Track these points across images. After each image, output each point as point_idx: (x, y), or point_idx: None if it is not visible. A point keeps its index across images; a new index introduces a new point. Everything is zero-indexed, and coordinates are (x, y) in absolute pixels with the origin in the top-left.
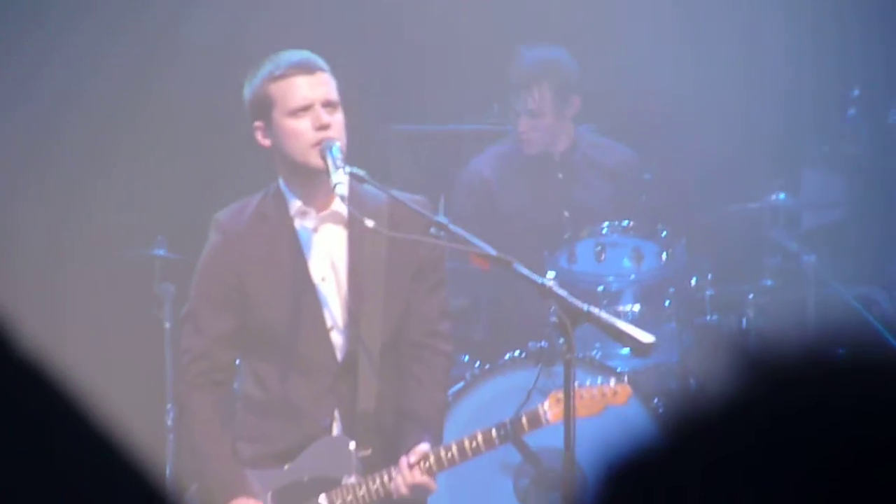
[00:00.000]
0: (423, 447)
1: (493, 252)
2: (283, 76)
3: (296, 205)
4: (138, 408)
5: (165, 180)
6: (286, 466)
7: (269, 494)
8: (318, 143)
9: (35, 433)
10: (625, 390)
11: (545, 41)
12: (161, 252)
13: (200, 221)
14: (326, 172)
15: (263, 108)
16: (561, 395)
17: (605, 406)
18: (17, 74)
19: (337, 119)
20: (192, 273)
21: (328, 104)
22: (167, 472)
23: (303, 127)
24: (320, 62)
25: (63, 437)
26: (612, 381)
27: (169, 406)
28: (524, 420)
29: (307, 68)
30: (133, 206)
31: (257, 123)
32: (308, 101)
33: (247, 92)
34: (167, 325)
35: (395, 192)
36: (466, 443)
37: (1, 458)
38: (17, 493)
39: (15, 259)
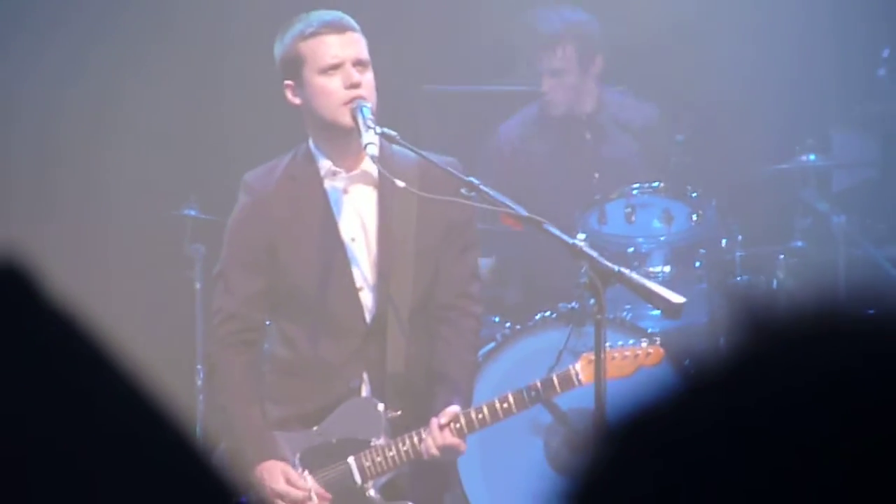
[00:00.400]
0: (454, 408)
1: (523, 212)
2: (314, 34)
3: (326, 165)
4: (168, 368)
5: (196, 141)
6: (315, 428)
7: (298, 456)
8: (349, 102)
9: (65, 392)
10: (658, 352)
11: (570, 4)
12: (192, 212)
13: (232, 182)
14: (357, 132)
15: (294, 66)
16: (593, 356)
17: (638, 367)
18: (49, 30)
19: (367, 78)
20: (223, 234)
21: (359, 63)
22: (197, 433)
23: (333, 85)
24: (351, 22)
25: (92, 395)
26: (645, 343)
27: (199, 367)
28: (556, 381)
29: (338, 27)
30: (164, 166)
31: (288, 82)
32: (339, 59)
33: (277, 50)
34: (198, 285)
35: (426, 154)
36: (497, 404)
37: (31, 415)
38: (46, 450)
39: (48, 220)
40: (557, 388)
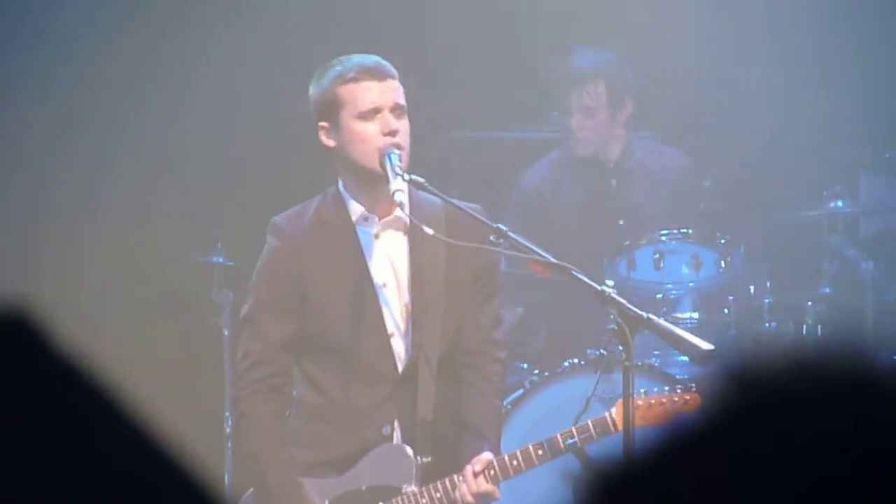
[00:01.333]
0: (487, 455)
1: (552, 259)
2: (354, 79)
3: (357, 210)
4: (196, 415)
5: (223, 188)
6: (344, 475)
7: (327, 503)
8: (385, 148)
9: (88, 441)
10: (694, 399)
11: (601, 46)
12: (219, 259)
13: (257, 229)
14: (386, 179)
15: (331, 108)
16: (629, 402)
17: (674, 415)
18: (75, 86)
19: (403, 125)
20: (250, 279)
21: (396, 109)
22: (226, 480)
23: (371, 130)
24: (391, 68)
25: (117, 444)
26: (681, 390)
27: (227, 413)
28: (592, 427)
29: (379, 74)
30: (191, 213)
31: (323, 124)
32: (378, 104)
33: (313, 92)
34: (226, 332)
35: (454, 200)
36: (532, 450)
37: (55, 466)
38: (71, 501)
39: (75, 267)
40: (594, 434)
